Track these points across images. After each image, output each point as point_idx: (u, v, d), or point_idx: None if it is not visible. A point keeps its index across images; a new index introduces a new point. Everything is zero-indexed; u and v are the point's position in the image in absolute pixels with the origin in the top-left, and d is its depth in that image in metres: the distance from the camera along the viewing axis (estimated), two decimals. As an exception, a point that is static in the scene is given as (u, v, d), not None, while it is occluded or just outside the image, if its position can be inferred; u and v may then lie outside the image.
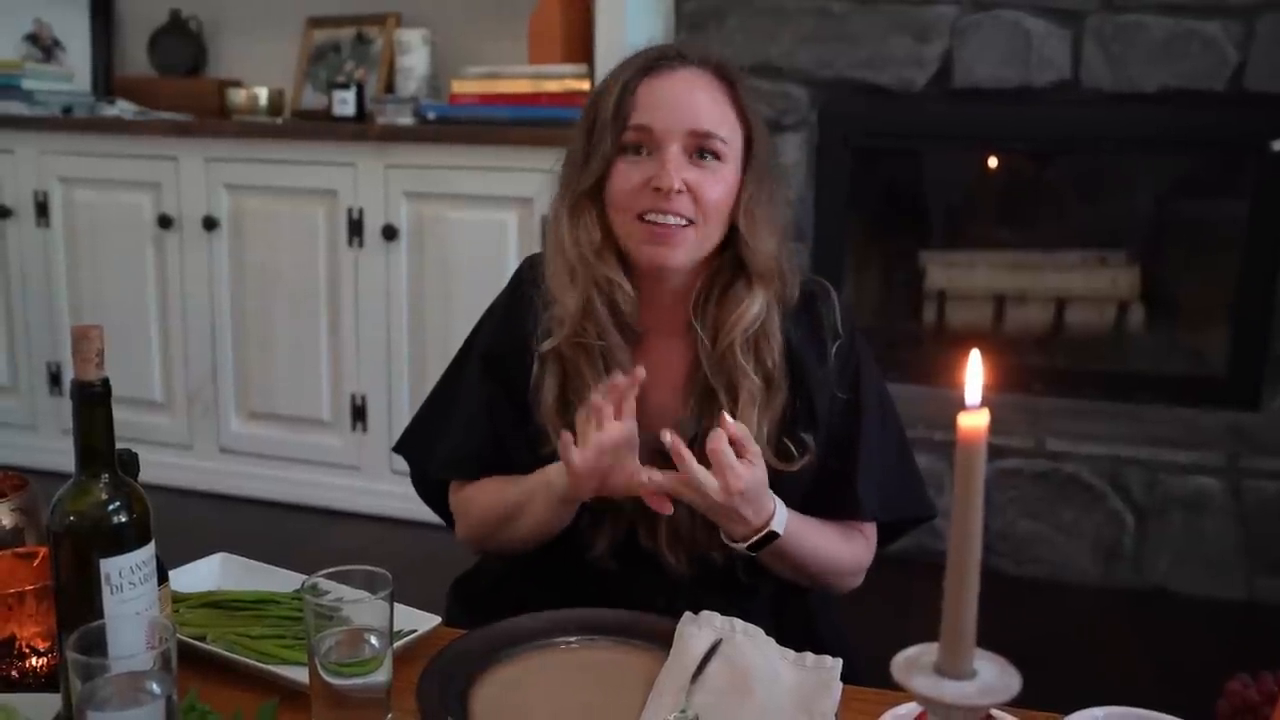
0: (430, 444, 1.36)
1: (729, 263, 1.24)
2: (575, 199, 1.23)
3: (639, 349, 1.26)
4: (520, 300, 1.30)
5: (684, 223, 1.18)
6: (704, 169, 1.19)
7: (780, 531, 1.18)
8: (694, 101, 1.19)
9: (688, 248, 1.20)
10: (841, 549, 1.28)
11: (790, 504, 1.23)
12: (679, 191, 1.17)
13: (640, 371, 1.15)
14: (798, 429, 1.24)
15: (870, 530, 1.32)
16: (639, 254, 1.21)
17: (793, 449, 1.23)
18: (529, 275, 1.31)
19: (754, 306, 1.22)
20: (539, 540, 1.27)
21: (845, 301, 1.32)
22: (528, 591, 1.23)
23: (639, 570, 1.24)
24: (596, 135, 1.21)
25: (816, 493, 1.26)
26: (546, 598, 1.16)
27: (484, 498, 1.30)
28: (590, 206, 1.22)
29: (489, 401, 1.29)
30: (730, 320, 1.22)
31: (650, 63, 1.21)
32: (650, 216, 1.18)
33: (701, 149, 1.19)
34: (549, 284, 1.25)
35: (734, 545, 1.18)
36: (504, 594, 1.25)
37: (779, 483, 1.22)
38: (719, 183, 1.19)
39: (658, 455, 1.24)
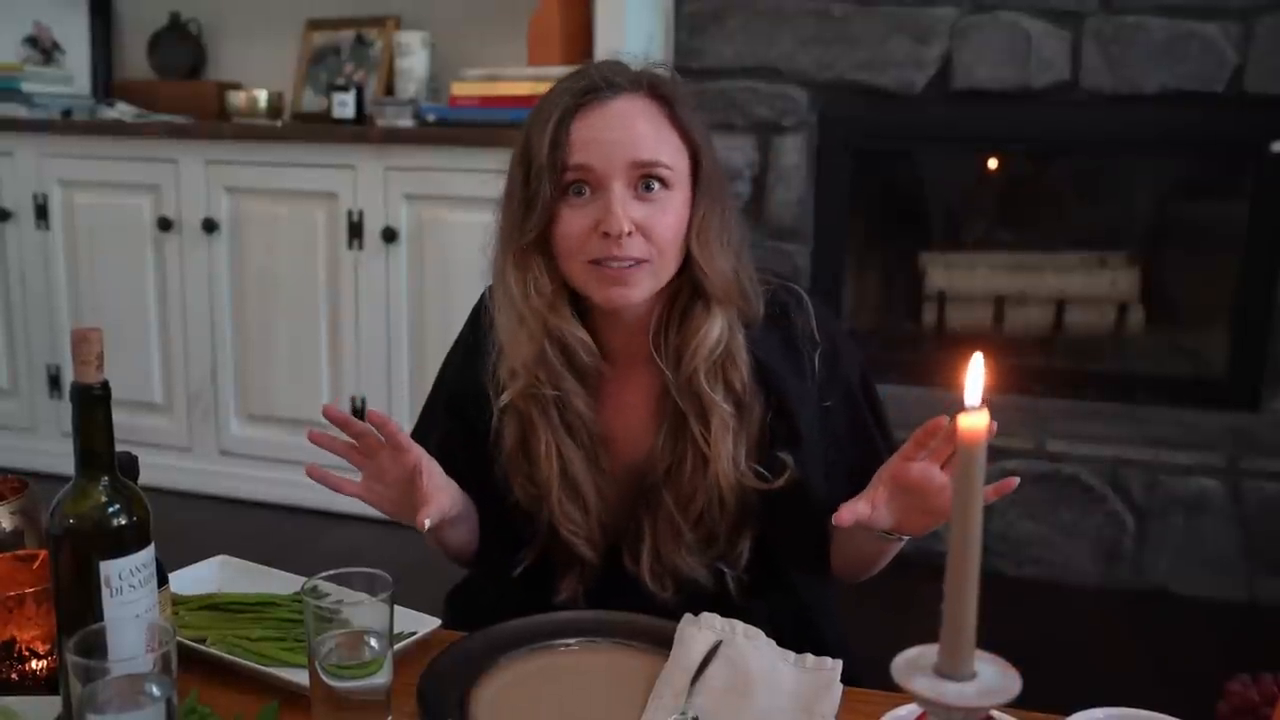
0: None
1: (686, 286, 1.19)
2: (521, 250, 1.17)
3: (604, 382, 1.24)
4: (481, 335, 1.27)
5: (636, 262, 1.14)
6: (652, 202, 1.13)
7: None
8: (632, 132, 1.13)
9: (644, 285, 1.15)
10: None
11: (791, 521, 1.23)
12: (629, 234, 1.12)
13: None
14: (776, 448, 1.21)
15: None
16: (596, 298, 1.16)
17: (774, 467, 1.20)
18: (490, 306, 1.28)
19: (714, 330, 1.18)
20: (466, 553, 1.29)
21: (820, 305, 1.27)
22: (524, 600, 1.22)
23: (624, 602, 1.20)
24: (534, 182, 1.14)
25: (856, 486, 1.23)
26: (542, 605, 1.16)
27: None
28: (537, 256, 1.17)
29: (444, 441, 1.27)
30: (691, 346, 1.18)
31: (579, 97, 1.14)
32: (602, 261, 1.14)
33: (647, 180, 1.13)
34: (499, 336, 1.21)
35: (899, 538, 1.15)
36: (500, 604, 1.25)
37: (774, 503, 1.22)
38: (668, 213, 1.14)
39: (633, 483, 1.24)
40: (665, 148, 1.15)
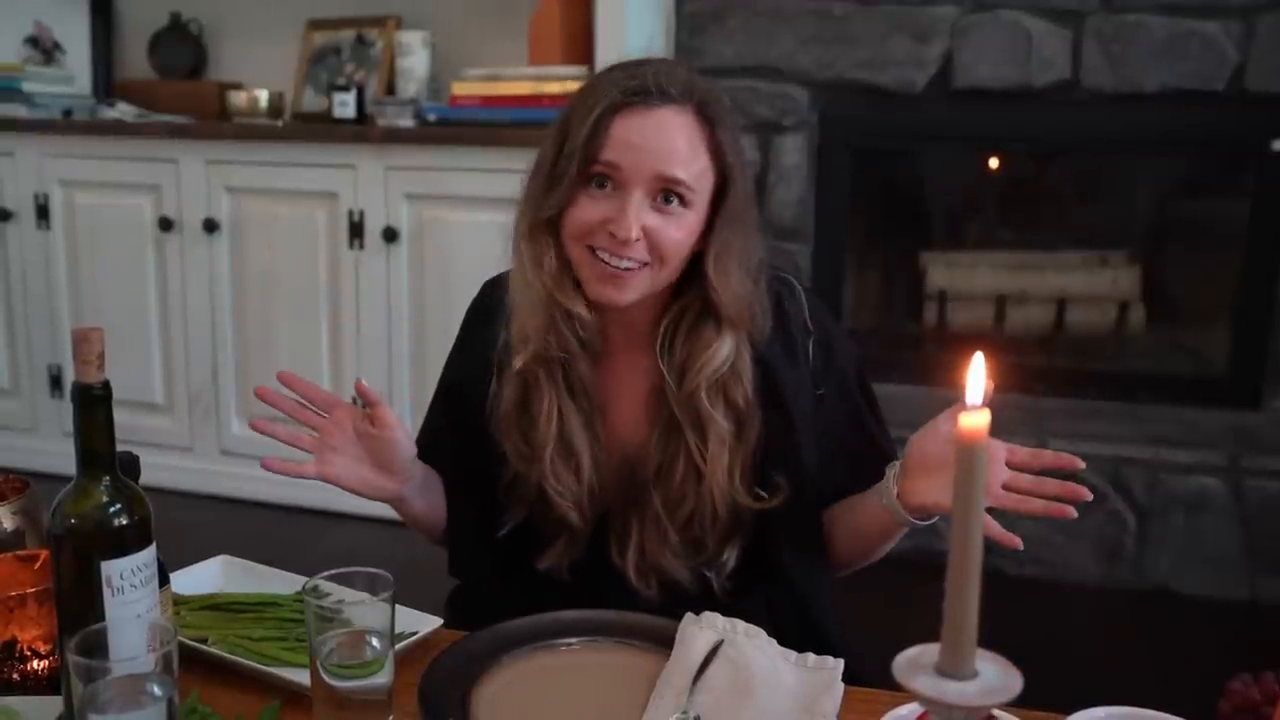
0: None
1: (696, 300, 1.21)
2: (535, 224, 1.19)
3: (604, 364, 1.26)
4: (480, 324, 1.30)
5: (637, 265, 1.16)
6: (666, 214, 1.15)
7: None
8: (668, 145, 1.14)
9: (638, 288, 1.17)
10: None
11: (781, 535, 1.25)
12: (636, 240, 1.14)
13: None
14: (772, 464, 1.23)
15: None
16: (589, 289, 1.18)
17: (770, 484, 1.22)
18: (488, 298, 1.31)
19: (722, 350, 1.19)
20: (431, 527, 1.32)
21: (812, 295, 1.30)
22: (524, 601, 1.22)
23: (610, 595, 1.22)
24: (563, 162, 1.16)
25: (854, 473, 1.27)
26: (541, 608, 1.16)
27: None
28: (549, 233, 1.19)
29: (436, 434, 1.33)
30: (697, 363, 1.19)
31: (628, 95, 1.14)
32: (602, 255, 1.16)
33: (666, 193, 1.15)
34: (513, 301, 1.23)
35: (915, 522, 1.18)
36: (501, 606, 1.25)
37: (765, 517, 1.23)
38: (679, 229, 1.15)
39: (626, 471, 1.26)
40: (694, 167, 1.15)
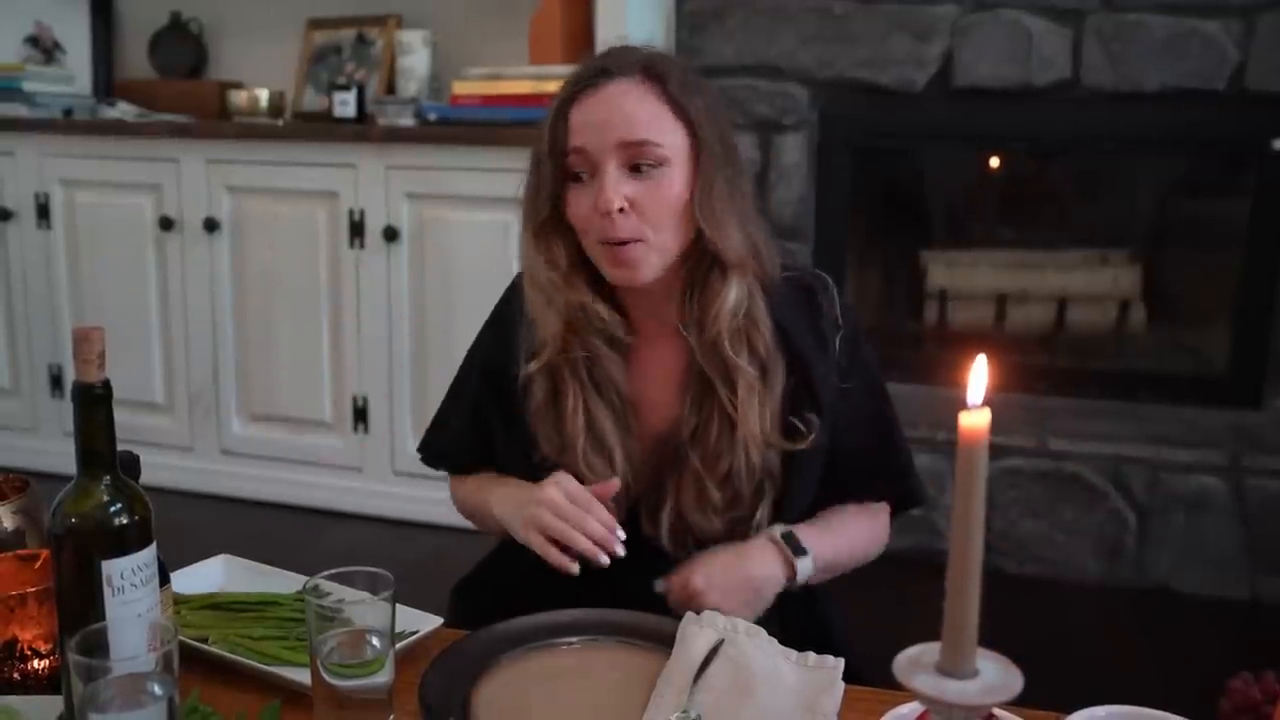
0: (437, 432, 1.43)
1: (703, 253, 1.23)
2: (537, 228, 1.23)
3: (638, 355, 1.27)
4: (513, 314, 1.31)
5: (634, 239, 1.18)
6: (645, 179, 1.17)
7: (810, 570, 1.21)
8: (622, 114, 1.17)
9: (648, 263, 1.19)
10: (863, 534, 1.31)
11: (807, 483, 1.26)
12: (621, 211, 1.16)
13: (613, 484, 1.20)
14: (801, 409, 1.24)
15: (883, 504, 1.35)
16: (607, 275, 1.22)
17: (800, 428, 1.24)
18: (520, 289, 1.32)
19: (731, 295, 1.21)
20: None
21: (844, 293, 1.32)
22: (530, 593, 1.23)
23: (644, 563, 1.23)
24: (542, 166, 1.21)
25: (858, 472, 1.29)
26: (549, 600, 1.16)
27: (463, 491, 1.38)
28: (555, 234, 1.22)
29: (477, 409, 1.34)
30: (712, 311, 1.22)
31: (578, 85, 1.19)
32: (603, 238, 1.18)
33: (639, 158, 1.17)
34: (529, 308, 1.26)
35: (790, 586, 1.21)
36: (506, 597, 1.26)
37: (794, 464, 1.24)
38: (662, 189, 1.18)
39: (656, 443, 1.27)
40: (656, 126, 1.18)
